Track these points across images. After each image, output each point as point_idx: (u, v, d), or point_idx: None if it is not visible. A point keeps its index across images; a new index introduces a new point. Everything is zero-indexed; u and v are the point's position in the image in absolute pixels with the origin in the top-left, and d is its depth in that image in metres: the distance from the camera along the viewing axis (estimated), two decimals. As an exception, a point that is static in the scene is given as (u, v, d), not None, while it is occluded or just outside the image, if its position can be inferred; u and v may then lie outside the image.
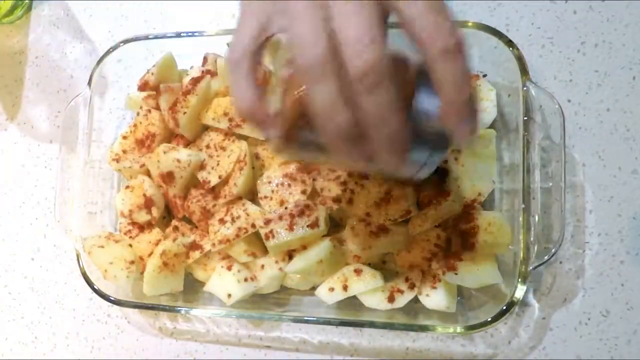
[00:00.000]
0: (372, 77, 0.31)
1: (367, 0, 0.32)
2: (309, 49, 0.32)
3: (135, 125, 0.60)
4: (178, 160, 0.56)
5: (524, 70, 0.49)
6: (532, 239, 0.48)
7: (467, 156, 0.53)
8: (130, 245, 0.59)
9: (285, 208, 0.53)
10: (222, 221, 0.55)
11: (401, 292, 0.52)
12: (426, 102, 0.35)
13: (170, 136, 0.60)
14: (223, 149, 0.56)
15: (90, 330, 0.65)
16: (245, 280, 0.55)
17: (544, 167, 0.53)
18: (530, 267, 0.47)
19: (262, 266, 0.55)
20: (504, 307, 0.47)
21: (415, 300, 0.53)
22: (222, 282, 0.55)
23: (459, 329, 0.49)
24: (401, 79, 0.34)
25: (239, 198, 0.55)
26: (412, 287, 0.52)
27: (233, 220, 0.54)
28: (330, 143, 0.34)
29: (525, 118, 0.49)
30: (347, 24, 0.32)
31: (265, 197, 0.55)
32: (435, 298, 0.51)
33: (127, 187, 0.60)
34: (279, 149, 0.38)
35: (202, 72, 0.59)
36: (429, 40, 0.32)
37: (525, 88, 0.49)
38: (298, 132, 0.36)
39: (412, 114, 0.35)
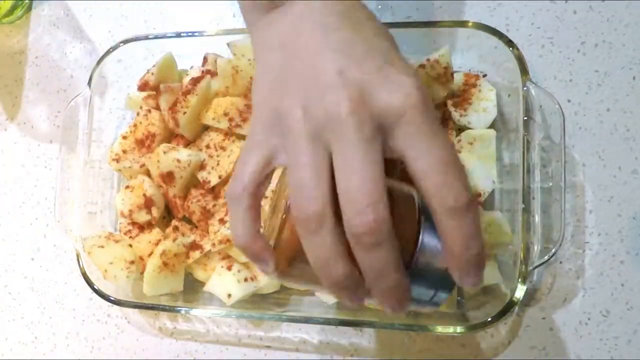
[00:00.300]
0: (370, 239, 0.30)
1: (373, 149, 0.30)
2: (307, 202, 0.31)
3: (135, 125, 0.60)
4: (178, 160, 0.56)
5: (524, 70, 0.49)
6: (532, 239, 0.48)
7: (467, 156, 0.53)
8: (130, 245, 0.59)
9: (285, 208, 0.53)
10: (222, 221, 0.55)
11: (401, 292, 0.52)
12: (431, 242, 0.34)
13: (170, 136, 0.60)
14: (223, 149, 0.56)
15: (90, 330, 0.65)
16: (245, 280, 0.55)
17: (544, 167, 0.53)
18: (530, 267, 0.47)
19: (262, 266, 0.55)
20: (504, 307, 0.47)
21: (415, 300, 0.53)
22: (222, 282, 0.55)
23: (459, 329, 0.49)
24: (405, 214, 0.34)
25: (239, 198, 0.55)
26: (412, 287, 0.52)
27: (233, 220, 0.54)
28: (328, 289, 0.33)
29: (525, 118, 0.49)
30: (349, 178, 0.30)
31: (265, 197, 0.55)
32: (435, 298, 0.51)
33: (127, 187, 0.60)
34: (278, 279, 0.37)
35: (202, 72, 0.59)
36: (437, 198, 0.31)
37: (525, 88, 0.49)
38: (296, 264, 0.35)
39: (417, 251, 0.34)
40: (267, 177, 0.36)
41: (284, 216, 0.35)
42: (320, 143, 0.31)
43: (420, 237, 0.34)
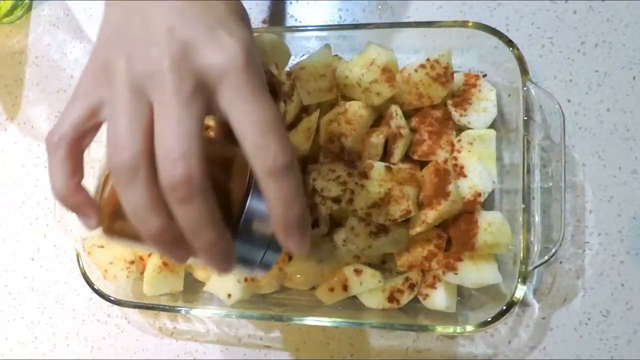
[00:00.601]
0: (182, 192, 0.30)
1: (192, 106, 0.31)
2: (121, 151, 0.31)
3: (135, 125, 0.60)
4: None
5: (524, 70, 0.49)
6: (532, 239, 0.48)
7: (467, 156, 0.53)
8: (130, 245, 0.59)
9: (285, 208, 0.53)
10: (222, 221, 0.55)
11: (401, 292, 0.52)
12: (260, 205, 0.35)
13: (170, 136, 0.60)
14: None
15: (90, 330, 0.65)
16: (245, 280, 0.55)
17: (544, 167, 0.53)
18: (530, 267, 0.47)
19: (262, 266, 0.55)
20: (504, 307, 0.47)
21: (415, 300, 0.53)
22: (222, 282, 0.55)
23: (459, 329, 0.49)
24: (237, 177, 0.34)
25: (239, 198, 0.55)
26: (412, 287, 0.52)
27: (233, 220, 0.54)
28: (148, 243, 0.33)
29: (525, 118, 0.49)
30: (165, 131, 0.30)
31: (265, 197, 0.55)
32: (435, 298, 0.52)
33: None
34: (103, 236, 0.37)
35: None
36: (256, 158, 0.31)
37: (525, 88, 0.49)
38: (119, 221, 0.34)
39: (246, 214, 0.35)
40: (92, 129, 0.35)
41: (107, 171, 0.34)
42: (141, 95, 0.31)
43: (248, 199, 0.35)
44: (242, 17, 0.36)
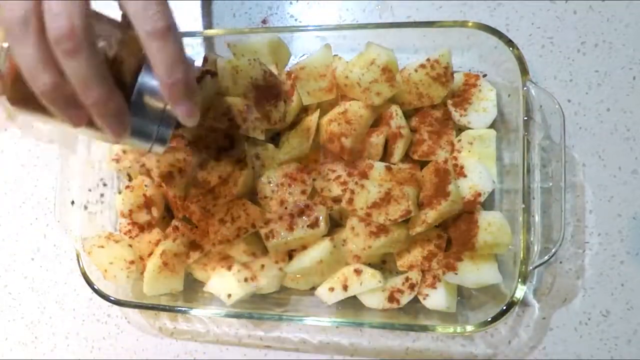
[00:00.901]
0: (67, 44, 0.33)
1: None
2: (10, 7, 0.33)
3: (135, 125, 0.60)
4: (178, 160, 0.56)
5: (524, 70, 0.49)
6: (532, 239, 0.48)
7: (467, 156, 0.53)
8: (130, 245, 0.59)
9: (285, 208, 0.53)
10: (222, 221, 0.55)
11: (401, 292, 0.52)
12: (152, 80, 0.38)
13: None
14: (223, 149, 0.56)
15: (90, 330, 0.65)
16: (245, 280, 0.55)
17: (544, 167, 0.53)
18: (530, 267, 0.47)
19: (262, 266, 0.55)
20: (504, 307, 0.47)
21: (415, 300, 0.53)
22: (222, 282, 0.55)
23: (459, 329, 0.49)
24: (135, 53, 0.37)
25: (239, 198, 0.55)
26: (412, 287, 0.52)
27: (233, 220, 0.54)
28: (43, 102, 0.35)
29: (525, 118, 0.49)
30: None
31: (265, 197, 0.55)
32: (435, 298, 0.52)
33: (127, 187, 0.60)
34: (8, 110, 0.39)
35: (202, 72, 0.59)
36: (136, 21, 0.34)
37: (525, 88, 0.49)
38: (21, 90, 0.37)
39: (138, 87, 0.38)
40: None
41: (7, 48, 0.37)
42: None
43: (140, 74, 0.38)
44: None
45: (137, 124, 0.39)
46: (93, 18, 0.36)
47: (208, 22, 0.66)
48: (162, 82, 0.36)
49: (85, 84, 0.34)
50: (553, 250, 0.48)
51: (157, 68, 0.36)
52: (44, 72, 0.34)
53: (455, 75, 0.53)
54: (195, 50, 0.61)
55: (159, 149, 0.42)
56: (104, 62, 0.35)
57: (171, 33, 0.35)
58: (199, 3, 0.67)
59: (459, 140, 0.53)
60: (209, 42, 0.61)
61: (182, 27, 0.64)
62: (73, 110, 0.36)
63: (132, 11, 0.34)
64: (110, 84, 0.35)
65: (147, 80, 0.38)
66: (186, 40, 0.60)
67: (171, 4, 0.65)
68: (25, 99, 0.37)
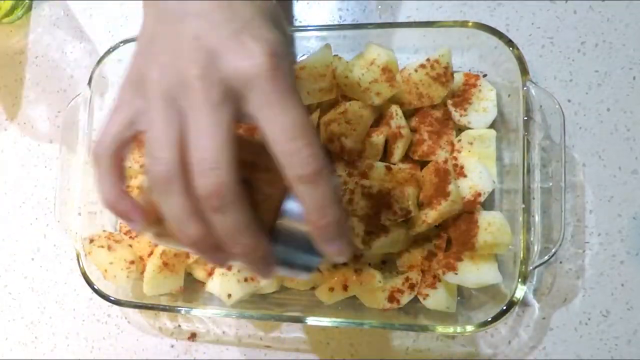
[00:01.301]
0: (214, 201, 0.31)
1: (221, 113, 0.31)
2: (157, 161, 0.32)
3: (135, 125, 0.60)
4: (178, 160, 0.56)
5: (524, 70, 0.49)
6: (532, 239, 0.48)
7: (467, 156, 0.53)
8: (130, 246, 0.59)
9: (285, 208, 0.53)
10: (222, 221, 0.55)
11: (401, 292, 0.52)
12: (296, 206, 0.35)
13: (170, 136, 0.60)
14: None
15: (90, 330, 0.65)
16: (245, 280, 0.55)
17: (544, 167, 0.53)
18: (530, 267, 0.47)
19: (262, 266, 0.55)
20: (504, 307, 0.47)
21: (415, 300, 0.53)
22: (222, 282, 0.55)
23: (459, 329, 0.49)
24: (277, 181, 0.34)
25: (239, 198, 0.55)
26: (412, 287, 0.52)
27: (233, 220, 0.54)
28: (188, 249, 0.35)
29: (525, 118, 0.49)
30: (197, 141, 0.31)
31: (265, 197, 0.55)
32: (435, 298, 0.52)
33: (127, 187, 0.60)
34: (153, 240, 0.39)
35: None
36: (287, 165, 0.32)
37: (525, 88, 0.49)
38: (163, 226, 0.35)
39: (281, 216, 0.35)
40: (131, 139, 0.36)
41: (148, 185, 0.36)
42: (173, 105, 0.32)
43: (285, 203, 0.35)
44: (273, 17, 0.35)
45: (282, 254, 0.36)
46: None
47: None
48: (312, 225, 0.34)
49: (232, 236, 0.33)
50: (553, 250, 0.48)
51: (307, 211, 0.33)
52: (190, 224, 0.32)
53: (455, 75, 0.53)
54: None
55: (304, 275, 0.39)
56: (251, 212, 0.33)
57: (323, 176, 0.32)
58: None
59: (459, 140, 0.53)
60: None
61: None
62: (218, 255, 0.35)
63: (280, 153, 0.31)
64: (257, 233, 0.33)
65: (291, 207, 0.35)
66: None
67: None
68: (167, 235, 0.36)
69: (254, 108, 0.32)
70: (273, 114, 0.31)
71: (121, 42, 0.61)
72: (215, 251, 0.34)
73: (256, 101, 0.31)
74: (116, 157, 0.36)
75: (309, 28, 0.57)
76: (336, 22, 0.62)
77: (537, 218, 0.48)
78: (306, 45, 0.58)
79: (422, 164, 0.54)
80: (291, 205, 0.35)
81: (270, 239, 0.35)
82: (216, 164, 0.31)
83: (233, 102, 0.32)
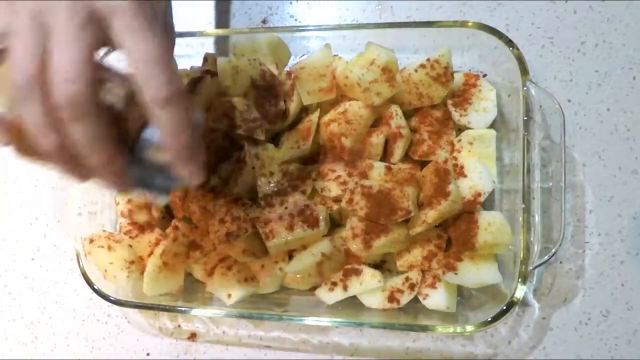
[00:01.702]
0: (71, 110, 0.34)
1: (83, 34, 0.34)
2: (19, 71, 0.34)
3: (135, 125, 0.60)
4: (178, 160, 0.56)
5: (524, 70, 0.49)
6: (532, 239, 0.48)
7: (467, 156, 0.53)
8: (130, 245, 0.59)
9: (285, 208, 0.53)
10: (222, 221, 0.55)
11: (401, 292, 0.52)
12: (156, 134, 0.38)
13: (170, 136, 0.60)
14: (223, 149, 0.56)
15: (90, 330, 0.65)
16: (245, 280, 0.55)
17: (544, 167, 0.53)
18: (530, 267, 0.47)
19: (262, 266, 0.55)
20: (504, 307, 0.47)
21: (415, 300, 0.53)
22: (222, 282, 0.55)
23: (459, 329, 0.49)
24: (136, 107, 0.37)
25: (239, 198, 0.55)
26: (412, 287, 0.52)
27: (233, 220, 0.54)
28: (46, 159, 0.37)
29: (525, 118, 0.49)
30: (59, 54, 0.34)
31: (265, 197, 0.55)
32: (435, 298, 0.52)
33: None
34: (18, 156, 0.40)
35: (202, 72, 0.59)
36: (145, 88, 0.35)
37: (525, 88, 0.49)
38: (26, 141, 0.37)
39: (142, 142, 0.39)
40: (1, 54, 0.37)
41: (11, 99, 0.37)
42: (40, 22, 0.34)
43: (148, 127, 0.39)
44: None
45: (140, 176, 0.40)
46: (102, 71, 0.37)
47: (208, 22, 0.66)
48: (167, 146, 0.37)
49: (88, 147, 0.35)
50: (553, 250, 0.48)
51: (162, 133, 0.36)
52: (48, 132, 0.35)
53: (455, 75, 0.53)
54: (195, 50, 0.61)
55: (161, 199, 0.43)
56: (108, 125, 0.36)
57: (177, 100, 0.35)
58: (199, 3, 0.67)
59: (459, 140, 0.53)
60: (209, 42, 0.61)
61: (183, 27, 0.65)
62: (76, 169, 0.37)
63: (139, 77, 0.35)
64: (112, 148, 0.36)
65: (151, 136, 0.39)
66: (186, 40, 0.60)
67: (172, 4, 0.65)
68: (31, 150, 0.38)
69: (117, 34, 0.34)
70: (134, 41, 0.34)
71: (121, 42, 0.61)
72: (75, 165, 0.37)
73: (119, 28, 0.34)
74: None
75: (309, 28, 0.57)
76: (336, 22, 0.62)
77: (537, 218, 0.49)
78: (306, 45, 0.58)
79: (422, 164, 0.54)
80: (152, 132, 0.39)
81: (129, 159, 0.38)
82: (74, 75, 0.33)
83: (97, 26, 0.34)
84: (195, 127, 0.38)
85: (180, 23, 0.67)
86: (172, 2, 0.67)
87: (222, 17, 0.66)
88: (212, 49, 0.61)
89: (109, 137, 0.36)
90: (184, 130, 0.36)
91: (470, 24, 0.52)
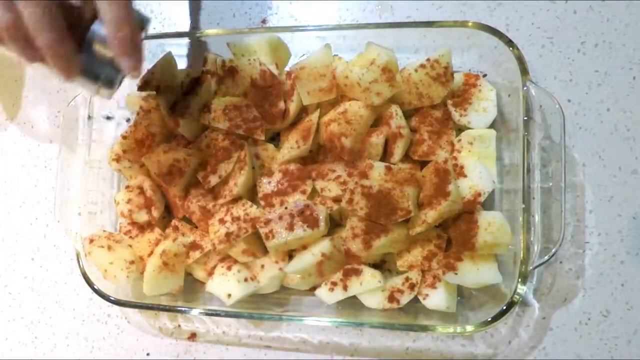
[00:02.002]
0: None
1: None
2: None
3: (135, 125, 0.60)
4: (178, 160, 0.56)
5: (524, 70, 0.49)
6: (532, 239, 0.48)
7: (467, 156, 0.53)
8: (130, 245, 0.59)
9: (285, 208, 0.53)
10: (222, 221, 0.55)
11: (401, 292, 0.52)
12: (103, 29, 0.42)
13: (170, 136, 0.60)
14: (223, 149, 0.56)
15: (90, 330, 0.65)
16: (245, 280, 0.55)
17: (544, 167, 0.53)
18: (530, 267, 0.47)
19: (262, 266, 0.55)
20: (504, 307, 0.47)
21: (415, 300, 0.53)
22: (222, 282, 0.55)
23: (459, 329, 0.49)
24: (89, 3, 0.41)
25: (239, 198, 0.55)
26: (412, 287, 0.52)
27: (233, 220, 0.54)
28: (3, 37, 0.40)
29: (525, 118, 0.49)
30: None
31: (265, 197, 0.55)
32: (435, 298, 0.52)
33: (127, 187, 0.60)
34: None
35: (202, 72, 0.59)
36: None
37: (525, 88, 0.49)
38: None
39: (90, 35, 0.43)
40: None
41: None
42: None
43: (96, 21, 0.42)
44: None
45: (87, 65, 0.44)
46: None
47: (208, 22, 0.66)
48: (110, 38, 0.41)
49: (39, 27, 0.39)
50: (553, 250, 0.48)
51: (106, 25, 0.40)
52: (3, 11, 0.38)
53: (455, 75, 0.53)
54: (195, 50, 0.61)
55: (106, 92, 0.47)
56: (59, 8, 0.39)
57: None
58: (199, 3, 0.67)
59: (459, 140, 0.53)
60: (209, 42, 0.61)
61: (183, 27, 0.64)
62: (28, 50, 0.40)
63: None
64: (62, 30, 0.40)
65: (99, 29, 0.42)
66: (186, 41, 0.60)
67: (172, 4, 0.65)
68: None
69: None
70: None
71: (121, 42, 0.61)
72: (26, 45, 0.40)
73: None
74: None
75: (309, 28, 0.57)
76: (336, 22, 0.62)
77: (537, 218, 0.48)
78: (306, 45, 0.58)
79: (422, 164, 0.54)
80: (100, 28, 0.42)
81: (78, 49, 0.42)
82: None
83: None
84: (137, 22, 0.42)
85: (180, 23, 0.67)
86: (173, 2, 0.67)
87: (223, 17, 0.66)
88: (212, 49, 0.61)
89: (58, 19, 0.39)
90: (126, 22, 0.40)
91: (470, 24, 0.51)
